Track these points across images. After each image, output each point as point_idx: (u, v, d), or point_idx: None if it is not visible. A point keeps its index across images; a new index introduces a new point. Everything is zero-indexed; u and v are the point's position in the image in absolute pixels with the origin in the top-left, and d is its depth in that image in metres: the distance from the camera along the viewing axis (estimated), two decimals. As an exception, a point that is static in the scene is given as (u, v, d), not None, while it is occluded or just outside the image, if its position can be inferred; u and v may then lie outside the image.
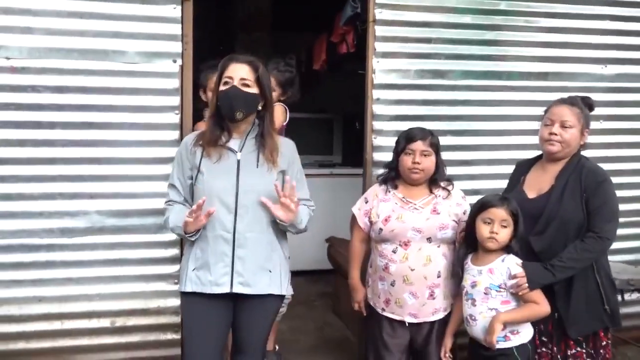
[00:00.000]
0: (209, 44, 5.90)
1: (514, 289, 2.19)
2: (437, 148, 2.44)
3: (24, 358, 2.80)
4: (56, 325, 2.82)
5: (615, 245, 3.24)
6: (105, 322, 2.86)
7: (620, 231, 3.32)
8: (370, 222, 2.49)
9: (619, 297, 2.93)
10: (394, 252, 2.41)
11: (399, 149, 2.44)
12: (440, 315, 2.45)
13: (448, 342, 2.45)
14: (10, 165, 2.72)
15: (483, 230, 2.24)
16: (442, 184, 2.47)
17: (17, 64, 2.68)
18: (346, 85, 4.46)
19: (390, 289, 2.43)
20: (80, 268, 2.81)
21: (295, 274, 4.73)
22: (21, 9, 2.66)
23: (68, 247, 2.79)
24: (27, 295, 2.77)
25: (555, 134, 2.33)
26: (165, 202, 2.25)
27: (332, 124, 5.35)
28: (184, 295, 2.18)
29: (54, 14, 2.70)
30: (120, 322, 2.87)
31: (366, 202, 2.55)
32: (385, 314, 2.48)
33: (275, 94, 2.91)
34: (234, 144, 2.16)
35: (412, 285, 2.39)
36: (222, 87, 2.12)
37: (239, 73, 2.11)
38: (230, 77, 2.11)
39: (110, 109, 2.79)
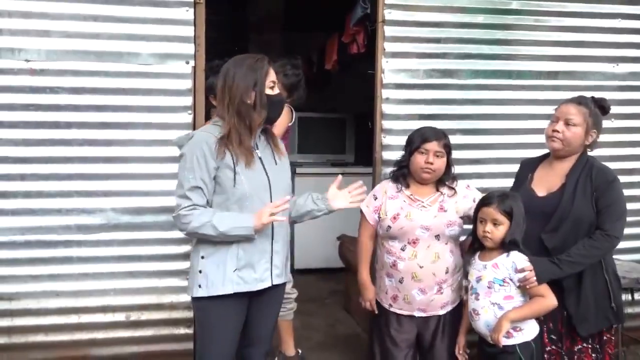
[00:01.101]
0: (223, 45, 5.98)
1: (522, 282, 2.21)
2: (449, 149, 2.47)
3: (43, 350, 2.89)
4: (73, 319, 2.91)
5: (625, 244, 3.26)
6: (120, 317, 2.93)
7: (630, 230, 3.33)
8: (379, 219, 2.52)
9: (629, 297, 2.94)
10: (402, 249, 2.44)
11: (413, 148, 2.45)
12: (449, 308, 2.49)
13: (462, 340, 2.48)
14: (30, 163, 2.81)
15: (479, 228, 2.28)
16: (447, 182, 2.50)
17: (36, 66, 2.77)
18: (358, 84, 4.49)
19: (399, 286, 2.46)
20: (96, 264, 2.89)
21: (308, 272, 4.81)
22: (39, 12, 2.76)
23: (84, 244, 2.87)
24: (45, 289, 2.86)
25: (558, 131, 2.34)
26: (187, 206, 2.07)
27: (344, 124, 5.37)
28: (216, 298, 2.11)
29: (71, 17, 2.78)
30: (134, 316, 2.95)
31: (375, 199, 2.56)
32: (392, 309, 2.52)
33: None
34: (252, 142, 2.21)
35: (420, 282, 2.43)
36: (270, 92, 2.14)
37: (274, 77, 2.18)
38: (274, 82, 2.16)
39: (125, 109, 2.87)
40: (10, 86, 2.76)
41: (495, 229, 2.23)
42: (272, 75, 2.15)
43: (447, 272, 2.45)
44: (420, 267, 2.42)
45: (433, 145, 2.42)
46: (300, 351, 3.25)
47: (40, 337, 2.88)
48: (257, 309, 2.24)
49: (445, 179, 2.49)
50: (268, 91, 2.13)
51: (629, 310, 3.19)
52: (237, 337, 2.22)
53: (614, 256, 3.09)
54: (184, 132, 2.66)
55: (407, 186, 2.51)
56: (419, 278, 2.42)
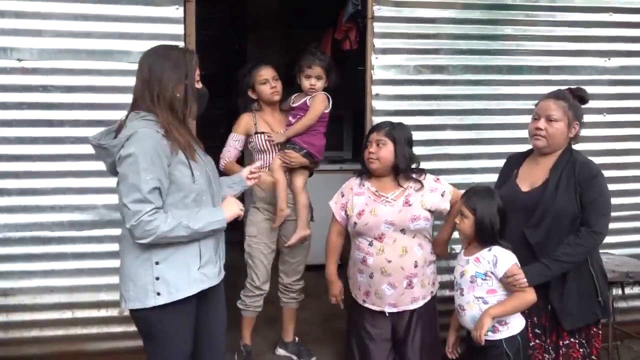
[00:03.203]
0: (222, 42, 6.02)
1: (512, 283, 2.21)
2: (394, 138, 2.48)
3: (39, 345, 2.94)
4: (67, 314, 2.95)
5: (617, 238, 3.28)
6: (113, 312, 2.97)
7: (623, 225, 3.35)
8: (347, 216, 2.56)
9: (620, 291, 2.94)
10: (370, 245, 2.48)
11: (363, 144, 2.56)
12: (420, 303, 2.51)
13: (451, 337, 2.49)
14: (24, 161, 2.86)
15: None
16: (414, 175, 2.52)
17: (28, 65, 2.82)
18: (355, 81, 4.51)
19: (369, 281, 2.49)
20: (89, 260, 2.94)
21: (306, 268, 4.82)
22: (31, 12, 2.80)
23: (77, 240, 2.92)
24: (40, 285, 2.91)
25: (541, 129, 2.34)
26: (149, 211, 1.89)
27: (342, 120, 5.37)
28: (176, 303, 1.99)
29: (62, 16, 2.82)
30: (127, 311, 2.97)
31: (342, 196, 2.62)
32: (366, 305, 2.55)
33: (321, 83, 3.00)
34: None
35: (390, 276, 2.45)
36: (199, 85, 2.06)
37: (198, 70, 2.09)
38: (199, 75, 2.08)
39: (117, 107, 2.87)
40: (3, 85, 2.80)
41: (462, 222, 2.27)
42: (197, 69, 2.07)
43: (416, 266, 2.47)
44: (389, 261, 2.44)
45: (373, 136, 2.50)
46: (297, 339, 3.34)
47: (35, 332, 2.93)
48: (206, 306, 2.15)
49: (399, 169, 2.49)
50: (197, 85, 2.05)
51: (622, 304, 3.21)
52: (192, 340, 2.11)
53: (607, 250, 3.12)
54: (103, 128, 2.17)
55: (369, 179, 2.56)
56: (388, 272, 2.45)
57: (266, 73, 3.01)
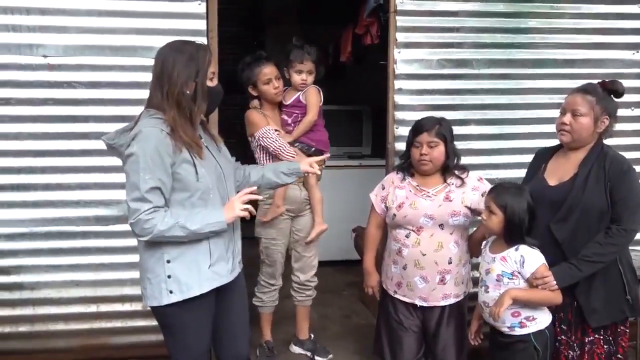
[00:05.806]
0: (241, 38, 6.04)
1: (541, 285, 2.18)
2: (444, 137, 2.46)
3: (64, 338, 2.98)
4: (92, 308, 2.99)
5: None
6: (137, 306, 2.98)
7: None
8: (387, 208, 2.55)
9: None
10: (407, 237, 2.48)
11: (408, 142, 2.51)
12: (451, 300, 2.49)
13: (474, 325, 2.48)
14: (49, 157, 2.89)
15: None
16: (457, 172, 2.50)
17: (54, 62, 2.84)
18: (375, 76, 4.48)
19: (402, 272, 2.50)
20: (113, 254, 2.96)
21: (325, 264, 4.82)
22: (56, 9, 2.82)
23: (102, 235, 2.94)
24: (65, 279, 2.94)
25: (566, 124, 2.31)
26: (147, 209, 1.91)
27: (361, 116, 5.35)
28: (190, 300, 2.01)
29: (87, 13, 2.84)
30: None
31: (383, 189, 2.62)
32: (397, 296, 2.56)
33: (312, 77, 3.01)
34: None
35: (423, 269, 2.45)
36: (210, 83, 2.04)
37: (215, 67, 2.10)
38: (214, 73, 2.07)
39: (141, 102, 2.83)
40: (29, 81, 2.83)
41: (489, 218, 2.24)
42: (213, 66, 2.06)
43: (450, 263, 2.45)
44: (423, 254, 2.44)
45: (424, 137, 2.44)
46: (312, 336, 3.32)
47: (61, 326, 2.97)
48: (225, 301, 2.17)
49: (449, 167, 2.49)
50: (208, 82, 2.02)
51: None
52: (210, 334, 2.14)
53: (637, 247, 3.05)
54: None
55: (412, 176, 2.55)
56: (421, 266, 2.44)
57: (270, 72, 2.94)
